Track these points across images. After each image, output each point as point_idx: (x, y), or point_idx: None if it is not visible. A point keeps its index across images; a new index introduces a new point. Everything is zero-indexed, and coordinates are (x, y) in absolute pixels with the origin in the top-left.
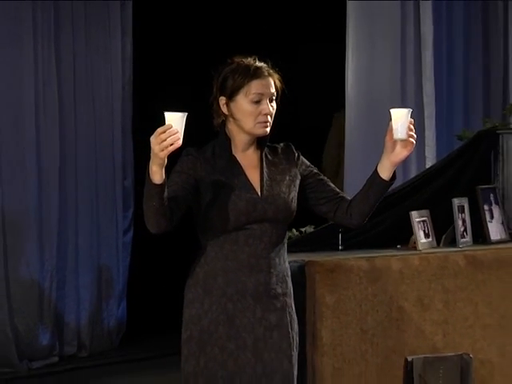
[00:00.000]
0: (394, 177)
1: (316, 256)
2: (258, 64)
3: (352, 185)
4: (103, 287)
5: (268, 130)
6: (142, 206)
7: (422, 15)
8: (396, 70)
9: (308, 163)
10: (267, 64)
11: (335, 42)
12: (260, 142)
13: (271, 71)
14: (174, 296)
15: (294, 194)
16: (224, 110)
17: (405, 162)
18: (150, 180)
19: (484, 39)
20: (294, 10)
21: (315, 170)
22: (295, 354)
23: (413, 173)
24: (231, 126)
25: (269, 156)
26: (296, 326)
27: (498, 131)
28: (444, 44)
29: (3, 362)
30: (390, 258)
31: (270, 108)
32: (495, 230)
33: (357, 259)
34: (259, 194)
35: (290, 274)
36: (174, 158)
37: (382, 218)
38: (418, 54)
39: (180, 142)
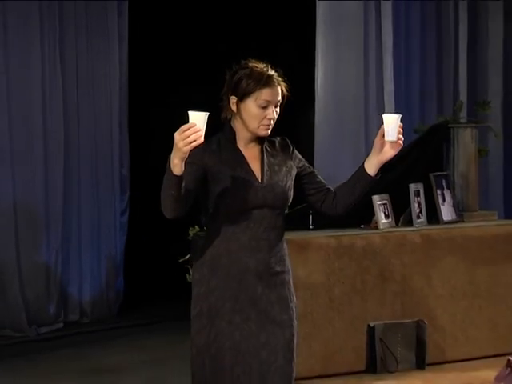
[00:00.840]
0: (378, 173)
1: (290, 235)
2: (270, 73)
3: (321, 172)
4: (103, 262)
5: (269, 131)
6: (160, 194)
7: (382, 21)
8: (359, 71)
9: (300, 156)
10: (278, 72)
11: (306, 44)
12: (260, 137)
13: (280, 80)
14: (165, 269)
15: (291, 183)
16: (233, 108)
17: (368, 147)
18: (171, 171)
19: (438, 40)
20: (270, 12)
21: (306, 164)
22: (295, 323)
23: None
24: (237, 123)
25: (268, 149)
26: (294, 299)
27: (449, 125)
28: (402, 47)
29: (15, 327)
30: (355, 237)
31: (274, 113)
32: (447, 212)
33: (326, 237)
34: (260, 182)
35: (287, 253)
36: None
37: None
38: (379, 57)
39: (202, 138)
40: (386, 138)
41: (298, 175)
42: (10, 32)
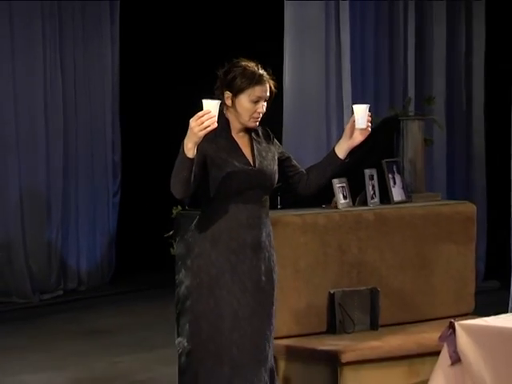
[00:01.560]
0: (347, 157)
1: None
2: (261, 71)
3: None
4: (97, 237)
5: (257, 123)
6: (171, 178)
7: (341, 27)
8: (321, 71)
9: (279, 144)
10: (267, 71)
11: (276, 46)
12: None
13: (269, 78)
14: (151, 243)
15: (276, 167)
16: (228, 102)
17: (329, 141)
18: (185, 155)
19: (389, 43)
20: (246, 17)
21: (284, 150)
22: (275, 292)
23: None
24: (230, 114)
25: (255, 137)
26: (277, 270)
27: (399, 118)
28: (358, 50)
29: (20, 294)
30: (317, 215)
31: (264, 108)
32: (397, 193)
33: (292, 216)
34: (253, 166)
35: (271, 229)
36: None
37: None
38: (338, 59)
39: (216, 124)
40: (357, 126)
41: (278, 160)
42: (16, 40)
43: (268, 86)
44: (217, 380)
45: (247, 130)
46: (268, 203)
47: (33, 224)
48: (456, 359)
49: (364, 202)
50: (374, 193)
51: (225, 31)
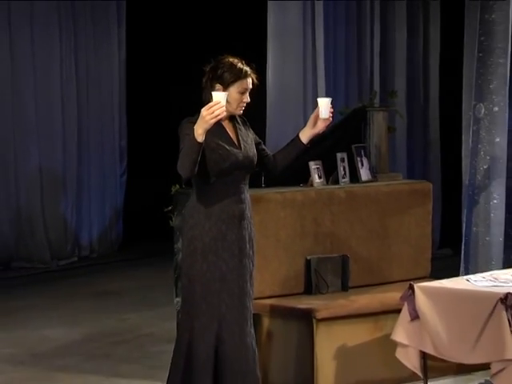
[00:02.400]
0: (309, 142)
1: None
2: (246, 67)
3: (272, 142)
4: (107, 211)
5: (242, 111)
6: (179, 159)
7: (316, 32)
8: (299, 70)
9: (252, 131)
10: (250, 66)
11: (260, 48)
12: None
13: (252, 72)
14: (153, 216)
15: (255, 151)
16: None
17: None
18: (195, 140)
19: (358, 46)
20: (233, 22)
21: (255, 136)
22: (255, 257)
23: None
24: None
25: (237, 124)
26: (254, 238)
27: (366, 109)
28: (331, 51)
29: (40, 260)
30: (296, 193)
31: (248, 98)
32: (364, 174)
33: (274, 193)
34: (239, 149)
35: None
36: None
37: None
38: (314, 60)
39: (224, 113)
40: (321, 116)
41: (259, 146)
42: (36, 44)
43: (251, 79)
44: (209, 333)
45: (231, 118)
46: (248, 180)
47: (51, 201)
48: (415, 316)
49: (336, 181)
50: (345, 173)
51: (217, 36)
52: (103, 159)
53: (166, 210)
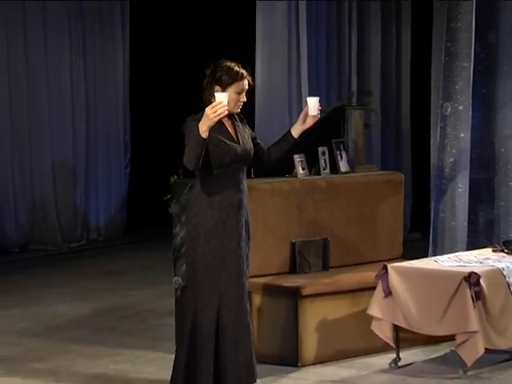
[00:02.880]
0: (299, 137)
1: None
2: (242, 70)
3: (260, 137)
4: (113, 199)
5: (239, 110)
6: (185, 153)
7: (300, 37)
8: (285, 71)
9: (248, 127)
10: (246, 69)
11: (250, 51)
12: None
13: (248, 75)
14: (153, 204)
15: (251, 145)
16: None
17: (290, 124)
18: (200, 136)
19: (338, 51)
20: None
21: (251, 131)
22: (250, 241)
23: None
24: None
25: (235, 121)
26: (250, 224)
27: (345, 108)
28: (314, 55)
29: (53, 243)
30: (282, 182)
31: (245, 98)
32: (343, 165)
33: (263, 183)
34: (238, 144)
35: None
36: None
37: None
38: (298, 62)
39: (226, 112)
40: (309, 113)
41: (255, 141)
42: (49, 48)
43: (247, 80)
44: (210, 309)
45: (230, 116)
46: (246, 171)
47: (62, 190)
48: (388, 293)
49: (318, 172)
50: (326, 165)
51: (212, 41)
52: (109, 153)
53: (165, 198)
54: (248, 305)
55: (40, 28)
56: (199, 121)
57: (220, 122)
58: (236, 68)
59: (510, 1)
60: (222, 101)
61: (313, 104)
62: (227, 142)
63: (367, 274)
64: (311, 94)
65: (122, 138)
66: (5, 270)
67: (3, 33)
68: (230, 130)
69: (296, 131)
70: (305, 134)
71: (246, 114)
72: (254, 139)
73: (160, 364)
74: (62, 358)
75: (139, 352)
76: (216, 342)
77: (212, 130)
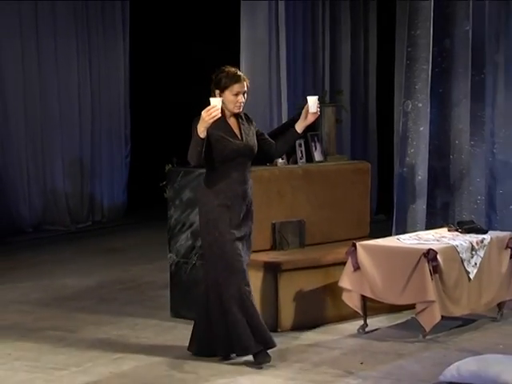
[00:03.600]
0: (303, 132)
1: None
2: (238, 73)
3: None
4: (115, 185)
5: (240, 110)
6: (189, 151)
7: (279, 40)
8: (265, 73)
9: (255, 124)
10: (242, 74)
11: (235, 54)
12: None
13: (245, 77)
14: (151, 189)
15: (255, 141)
16: (217, 96)
17: (271, 123)
18: (198, 136)
19: (313, 53)
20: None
21: (259, 128)
22: (253, 224)
23: (275, 125)
24: (222, 105)
25: (241, 120)
26: (254, 211)
27: (319, 104)
28: (291, 58)
29: (61, 223)
30: (263, 170)
31: (243, 99)
32: (317, 155)
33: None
34: (241, 140)
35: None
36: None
37: None
38: (278, 65)
39: (219, 114)
40: (310, 111)
41: (260, 137)
42: (59, 52)
43: (244, 83)
44: (233, 283)
45: (235, 115)
46: (250, 164)
47: (71, 177)
48: (357, 267)
49: (295, 162)
50: (302, 155)
51: (204, 47)
52: (112, 144)
53: (160, 184)
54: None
55: (51, 36)
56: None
57: (224, 121)
58: (232, 72)
59: (462, 11)
60: (216, 105)
61: (312, 102)
62: (230, 138)
63: (338, 251)
64: (288, 94)
65: (123, 132)
66: (20, 248)
67: (18, 41)
68: (234, 127)
69: (299, 127)
70: (283, 127)
71: None
72: (260, 135)
73: (156, 330)
74: (69, 325)
75: (138, 319)
76: (225, 312)
77: (215, 128)
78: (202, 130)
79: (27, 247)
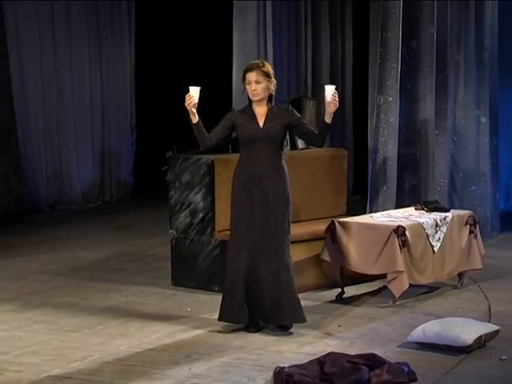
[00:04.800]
0: (332, 121)
1: (220, 156)
2: (252, 62)
3: None
4: (122, 169)
5: (257, 98)
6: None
7: (267, 42)
8: None
9: (298, 116)
10: (257, 65)
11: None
12: (269, 101)
13: (257, 66)
14: (154, 172)
15: (279, 130)
16: (243, 87)
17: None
18: (191, 122)
19: (296, 52)
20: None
21: (302, 120)
22: (281, 205)
23: None
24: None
25: (274, 110)
26: (281, 190)
27: (301, 98)
28: (277, 58)
29: (76, 203)
30: None
31: (254, 87)
32: (300, 143)
33: (237, 157)
34: (261, 127)
35: (282, 167)
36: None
37: None
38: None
39: (195, 101)
40: (326, 99)
41: (291, 125)
42: (73, 56)
43: (256, 72)
44: (239, 261)
45: (266, 104)
46: (277, 150)
47: (83, 162)
48: (335, 241)
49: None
50: (287, 143)
51: (197, 48)
52: (119, 133)
53: (162, 169)
54: (283, 255)
55: (66, 41)
56: (232, 111)
57: (250, 108)
58: (249, 63)
59: (428, 16)
60: (192, 94)
61: (328, 91)
62: (249, 125)
63: (319, 227)
64: (276, 91)
65: (129, 123)
66: (39, 225)
67: (37, 46)
68: (259, 115)
69: (326, 117)
70: None
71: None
72: (298, 125)
73: (160, 297)
74: (83, 292)
75: (143, 288)
76: (251, 284)
77: (241, 115)
78: (190, 118)
79: (45, 224)
